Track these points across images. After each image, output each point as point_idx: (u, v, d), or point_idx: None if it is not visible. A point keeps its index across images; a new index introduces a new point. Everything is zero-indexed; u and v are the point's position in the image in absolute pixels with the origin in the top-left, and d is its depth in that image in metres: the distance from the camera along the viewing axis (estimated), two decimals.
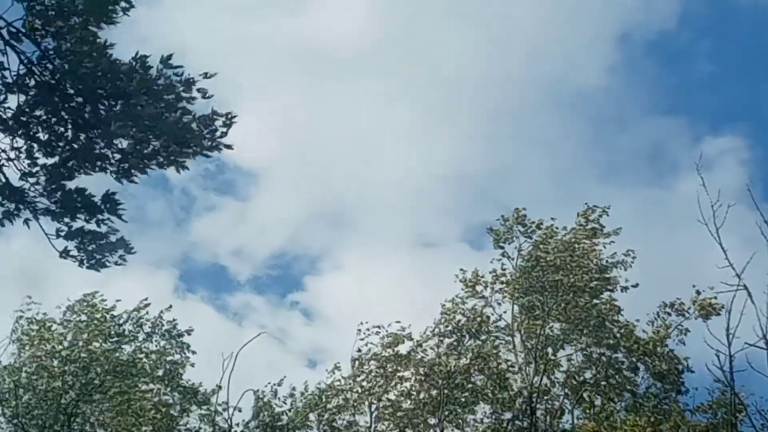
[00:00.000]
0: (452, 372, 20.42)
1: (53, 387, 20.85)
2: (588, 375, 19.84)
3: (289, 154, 44.15)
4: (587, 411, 19.18)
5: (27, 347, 21.56)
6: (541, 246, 20.31)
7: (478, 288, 20.60)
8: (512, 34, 40.69)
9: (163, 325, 22.50)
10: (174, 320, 22.52)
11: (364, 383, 21.27)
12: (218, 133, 8.80)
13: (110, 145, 8.52)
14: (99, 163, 8.64)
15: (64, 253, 8.81)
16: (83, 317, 21.89)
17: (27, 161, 8.59)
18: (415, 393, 20.64)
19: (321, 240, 42.50)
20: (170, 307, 22.62)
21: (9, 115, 8.35)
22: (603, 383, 19.51)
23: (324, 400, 21.44)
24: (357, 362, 21.40)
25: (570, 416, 19.52)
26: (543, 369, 19.35)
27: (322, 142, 43.12)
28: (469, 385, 20.48)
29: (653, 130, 39.57)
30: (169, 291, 35.60)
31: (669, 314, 19.37)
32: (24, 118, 8.40)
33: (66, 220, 8.69)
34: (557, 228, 20.39)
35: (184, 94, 8.53)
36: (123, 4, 8.20)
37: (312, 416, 21.39)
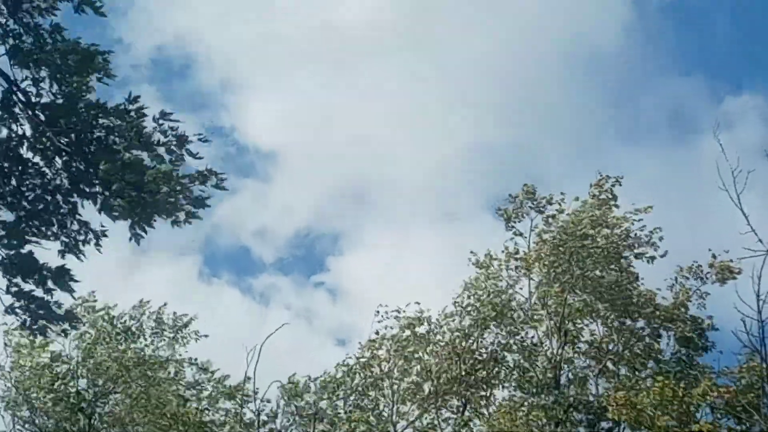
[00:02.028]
0: (474, 351, 20.56)
1: (66, 390, 20.92)
2: (611, 345, 19.97)
3: (309, 133, 43.73)
4: (611, 380, 19.34)
5: (23, 358, 21.29)
6: (551, 219, 20.27)
7: (492, 269, 20.55)
8: None
9: (165, 320, 22.42)
10: (175, 313, 22.41)
11: (383, 365, 21.33)
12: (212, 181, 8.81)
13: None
14: (55, 228, 8.74)
15: (10, 309, 8.84)
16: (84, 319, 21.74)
17: None
18: (435, 373, 20.72)
19: (344, 218, 42.29)
20: (165, 304, 22.47)
21: None
22: (626, 352, 19.69)
23: (348, 379, 21.41)
24: (374, 344, 21.42)
25: (594, 386, 19.72)
26: (564, 339, 19.49)
27: (342, 121, 42.71)
28: (491, 364, 20.62)
29: (673, 91, 39.03)
30: (194, 277, 35.41)
31: (687, 278, 19.52)
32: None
33: (15, 280, 8.72)
34: (569, 200, 20.20)
35: (175, 150, 8.58)
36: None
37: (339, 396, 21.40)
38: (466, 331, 20.61)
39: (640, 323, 19.80)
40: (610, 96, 42.31)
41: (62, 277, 8.66)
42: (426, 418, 21.11)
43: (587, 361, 20.28)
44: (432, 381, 20.69)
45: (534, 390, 19.90)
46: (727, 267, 18.99)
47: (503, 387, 20.78)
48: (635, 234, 19.61)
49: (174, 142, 8.54)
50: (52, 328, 9.09)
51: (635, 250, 19.64)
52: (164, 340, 22.43)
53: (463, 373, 20.21)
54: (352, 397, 21.30)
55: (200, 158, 8.68)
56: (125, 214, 8.55)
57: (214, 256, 40.43)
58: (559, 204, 20.21)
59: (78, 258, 8.84)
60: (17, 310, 8.81)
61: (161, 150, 8.56)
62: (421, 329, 20.97)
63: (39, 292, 8.82)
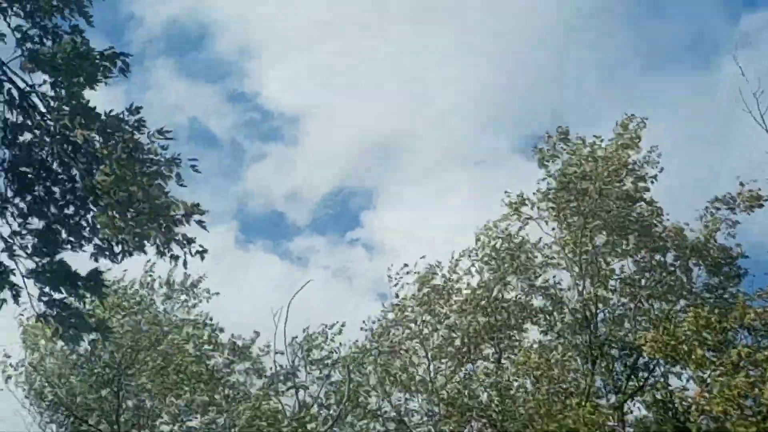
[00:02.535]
0: (498, 299, 20.56)
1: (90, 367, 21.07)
2: (642, 282, 19.89)
3: (332, 93, 43.74)
4: (647, 315, 19.29)
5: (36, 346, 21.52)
6: (573, 157, 20.11)
7: (524, 209, 20.47)
8: None
9: (174, 282, 22.34)
10: (186, 273, 21.95)
11: (412, 326, 21.41)
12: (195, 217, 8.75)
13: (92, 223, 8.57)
14: (83, 237, 8.75)
15: (42, 317, 8.83)
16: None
17: (19, 219, 8.67)
18: (461, 326, 20.73)
19: (374, 173, 42.37)
20: (174, 265, 22.22)
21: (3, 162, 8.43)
22: (658, 287, 19.61)
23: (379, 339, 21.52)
24: (398, 308, 21.44)
25: (630, 324, 19.65)
26: (597, 277, 19.43)
27: (363, 78, 42.53)
28: (517, 311, 20.63)
29: (691, 14, 38.54)
30: (231, 245, 35.45)
31: (718, 209, 19.37)
32: (19, 169, 8.47)
33: (47, 289, 8.69)
34: (599, 141, 20.01)
35: (164, 172, 8.52)
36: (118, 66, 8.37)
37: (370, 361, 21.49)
38: (487, 281, 20.60)
39: (670, 257, 19.70)
40: (629, 24, 41.58)
41: (94, 283, 8.68)
42: (462, 372, 21.16)
43: (620, 300, 20.19)
44: (460, 335, 20.75)
45: (567, 331, 19.90)
46: (755, 195, 18.85)
47: (533, 330, 20.80)
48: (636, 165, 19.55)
49: (163, 164, 8.45)
50: (84, 337, 9.09)
51: (637, 173, 19.53)
52: (176, 303, 22.42)
53: (492, 321, 20.20)
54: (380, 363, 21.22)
55: (184, 186, 8.65)
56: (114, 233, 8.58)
57: (249, 222, 40.56)
58: (591, 147, 20.03)
59: (112, 261, 8.94)
60: (49, 319, 8.77)
61: (152, 169, 8.46)
62: (437, 281, 20.99)
63: (70, 300, 8.85)
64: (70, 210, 8.71)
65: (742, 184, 19.02)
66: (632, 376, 18.92)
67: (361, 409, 21.40)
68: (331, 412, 21.32)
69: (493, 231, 20.84)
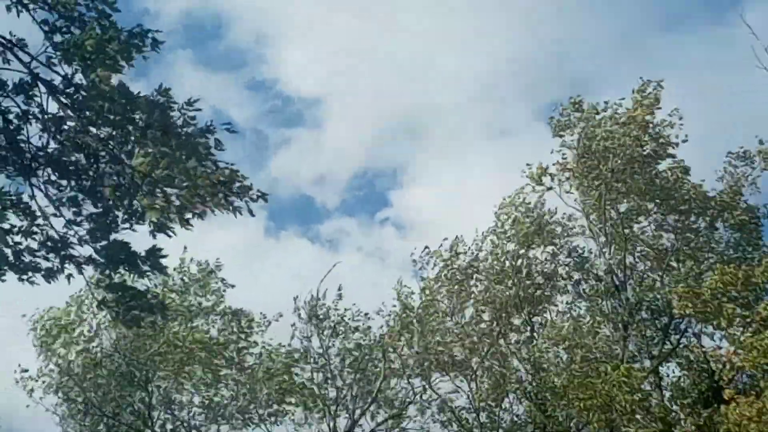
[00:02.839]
0: (523, 270, 20.71)
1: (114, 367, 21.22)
2: (667, 244, 20.01)
3: (351, 74, 43.52)
4: (676, 276, 19.41)
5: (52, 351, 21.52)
6: (591, 124, 20.16)
7: (545, 180, 20.51)
8: None
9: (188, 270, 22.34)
10: (204, 261, 22.33)
11: (442, 305, 21.56)
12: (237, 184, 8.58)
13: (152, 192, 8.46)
14: (137, 216, 8.66)
15: (102, 304, 8.96)
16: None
17: (73, 209, 8.71)
18: (489, 298, 20.85)
19: (399, 151, 42.16)
20: (185, 248, 22.16)
21: (50, 157, 8.54)
22: (684, 248, 19.73)
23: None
24: (427, 291, 21.40)
25: (660, 287, 19.77)
26: (624, 245, 19.54)
27: (381, 57, 42.18)
28: (545, 280, 20.82)
29: None
30: (261, 234, 35.53)
31: (736, 167, 19.43)
32: (65, 161, 8.52)
33: (108, 272, 8.75)
34: (616, 104, 20.02)
35: (200, 143, 8.38)
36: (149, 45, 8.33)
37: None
38: (512, 252, 20.73)
39: (693, 218, 19.79)
40: None
41: (154, 260, 8.66)
42: (495, 348, 21.32)
43: (648, 264, 20.32)
44: (490, 309, 20.89)
45: (597, 299, 20.07)
46: None
47: (562, 299, 20.98)
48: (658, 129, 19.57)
49: (199, 135, 8.33)
50: (144, 318, 9.11)
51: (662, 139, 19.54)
52: (194, 295, 22.36)
53: (521, 293, 20.42)
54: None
55: (223, 149, 8.46)
56: (156, 213, 8.46)
57: (278, 209, 40.51)
58: (611, 111, 20.05)
59: (168, 236, 8.67)
60: (110, 303, 8.86)
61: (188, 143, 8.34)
62: (461, 261, 21.08)
63: (130, 283, 8.96)
64: (122, 191, 8.66)
65: (761, 142, 19.07)
66: (665, 340, 19.07)
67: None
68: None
69: (512, 206, 20.92)
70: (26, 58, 8.35)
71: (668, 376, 18.98)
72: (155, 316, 9.48)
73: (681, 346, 18.89)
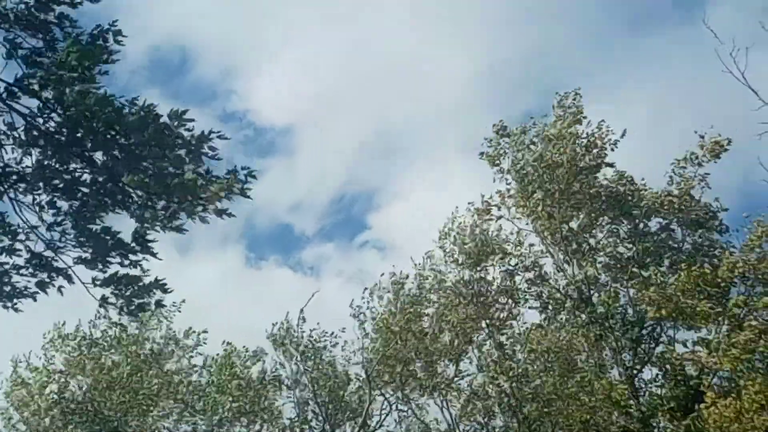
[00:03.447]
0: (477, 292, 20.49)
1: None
2: (627, 252, 19.84)
3: (320, 99, 43.13)
4: (637, 285, 19.18)
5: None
6: (519, 149, 20.29)
7: (493, 211, 20.64)
8: None
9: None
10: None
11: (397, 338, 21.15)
12: (236, 190, 8.48)
13: (125, 193, 8.41)
14: (120, 200, 8.50)
15: (103, 301, 8.76)
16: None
17: (52, 212, 8.56)
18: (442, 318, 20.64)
19: (374, 172, 41.80)
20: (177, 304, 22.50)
21: (28, 171, 8.32)
22: (643, 255, 19.54)
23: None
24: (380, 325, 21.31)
25: (625, 296, 19.62)
26: (583, 259, 19.41)
27: (349, 79, 41.95)
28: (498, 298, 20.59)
29: None
30: (241, 265, 34.94)
31: (685, 167, 19.42)
32: (43, 172, 8.30)
33: (100, 266, 8.63)
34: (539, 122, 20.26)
35: (193, 150, 8.28)
36: (112, 48, 8.25)
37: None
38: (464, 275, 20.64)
39: (651, 223, 19.73)
40: None
41: (142, 242, 8.53)
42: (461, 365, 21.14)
43: (611, 274, 20.14)
44: (448, 329, 20.70)
45: (566, 315, 19.89)
46: (716, 142, 18.96)
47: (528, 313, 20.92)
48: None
49: (193, 143, 8.24)
50: (147, 305, 8.94)
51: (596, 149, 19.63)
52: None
53: (474, 314, 20.19)
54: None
55: (219, 159, 8.40)
56: (152, 222, 8.46)
57: (257, 239, 40.18)
58: (537, 131, 20.12)
59: (152, 227, 8.61)
60: (110, 299, 8.76)
61: (181, 152, 8.26)
62: (408, 289, 21.18)
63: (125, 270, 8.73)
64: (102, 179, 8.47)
65: (701, 136, 19.14)
66: (639, 348, 18.88)
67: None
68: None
69: (451, 232, 21.08)
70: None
71: (646, 385, 18.71)
72: (155, 297, 9.02)
73: (656, 353, 18.64)
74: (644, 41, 38.24)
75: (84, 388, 21.77)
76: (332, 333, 22.57)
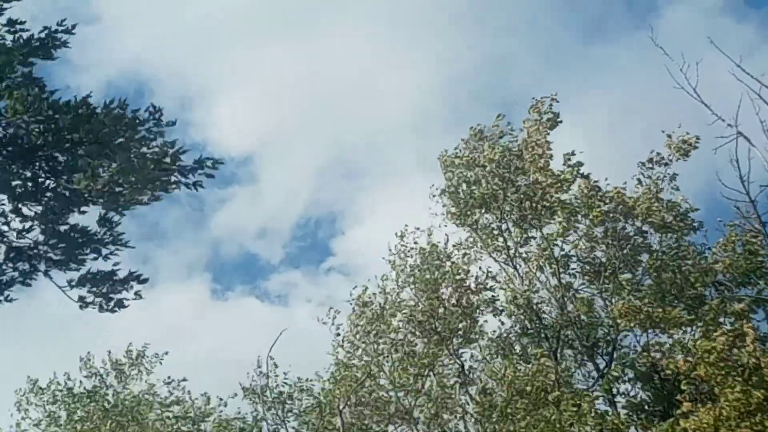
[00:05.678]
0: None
1: None
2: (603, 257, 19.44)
3: (281, 124, 43.14)
4: (613, 290, 18.78)
5: None
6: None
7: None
8: None
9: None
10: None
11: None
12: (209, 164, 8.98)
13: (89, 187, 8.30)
14: (84, 197, 8.50)
15: (82, 302, 8.75)
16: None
17: (18, 219, 8.63)
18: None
19: (337, 195, 41.72)
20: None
21: None
22: (616, 261, 19.11)
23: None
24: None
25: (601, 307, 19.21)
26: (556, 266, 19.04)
27: (311, 102, 41.99)
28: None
29: None
30: (207, 296, 34.56)
31: (651, 168, 19.09)
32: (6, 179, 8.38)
33: (73, 265, 8.67)
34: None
35: (154, 129, 8.61)
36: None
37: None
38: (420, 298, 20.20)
39: (625, 227, 19.28)
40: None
41: (109, 229, 8.61)
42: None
43: (585, 279, 19.73)
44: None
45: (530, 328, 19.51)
46: (685, 140, 18.67)
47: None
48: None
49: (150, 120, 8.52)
50: (126, 298, 8.88)
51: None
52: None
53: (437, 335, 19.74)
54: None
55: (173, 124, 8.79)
56: (111, 202, 8.49)
57: (222, 270, 39.94)
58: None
59: (117, 213, 8.70)
60: (87, 297, 8.75)
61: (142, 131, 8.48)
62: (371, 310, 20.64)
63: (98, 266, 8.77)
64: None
65: (669, 136, 18.84)
66: (612, 357, 18.51)
67: None
68: None
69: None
70: None
71: (621, 394, 18.32)
72: (135, 292, 9.06)
73: (629, 361, 18.23)
74: (597, 49, 38.34)
75: None
76: (307, 379, 21.99)
